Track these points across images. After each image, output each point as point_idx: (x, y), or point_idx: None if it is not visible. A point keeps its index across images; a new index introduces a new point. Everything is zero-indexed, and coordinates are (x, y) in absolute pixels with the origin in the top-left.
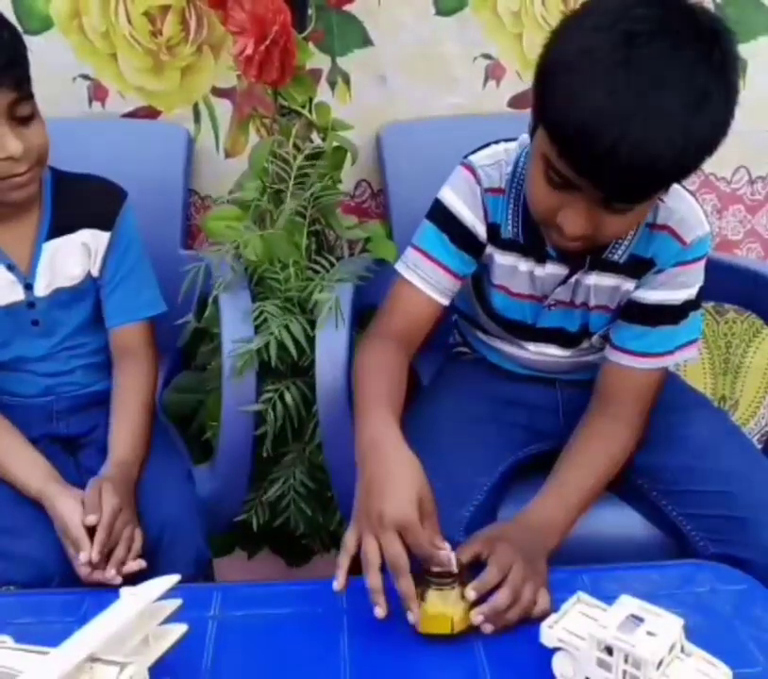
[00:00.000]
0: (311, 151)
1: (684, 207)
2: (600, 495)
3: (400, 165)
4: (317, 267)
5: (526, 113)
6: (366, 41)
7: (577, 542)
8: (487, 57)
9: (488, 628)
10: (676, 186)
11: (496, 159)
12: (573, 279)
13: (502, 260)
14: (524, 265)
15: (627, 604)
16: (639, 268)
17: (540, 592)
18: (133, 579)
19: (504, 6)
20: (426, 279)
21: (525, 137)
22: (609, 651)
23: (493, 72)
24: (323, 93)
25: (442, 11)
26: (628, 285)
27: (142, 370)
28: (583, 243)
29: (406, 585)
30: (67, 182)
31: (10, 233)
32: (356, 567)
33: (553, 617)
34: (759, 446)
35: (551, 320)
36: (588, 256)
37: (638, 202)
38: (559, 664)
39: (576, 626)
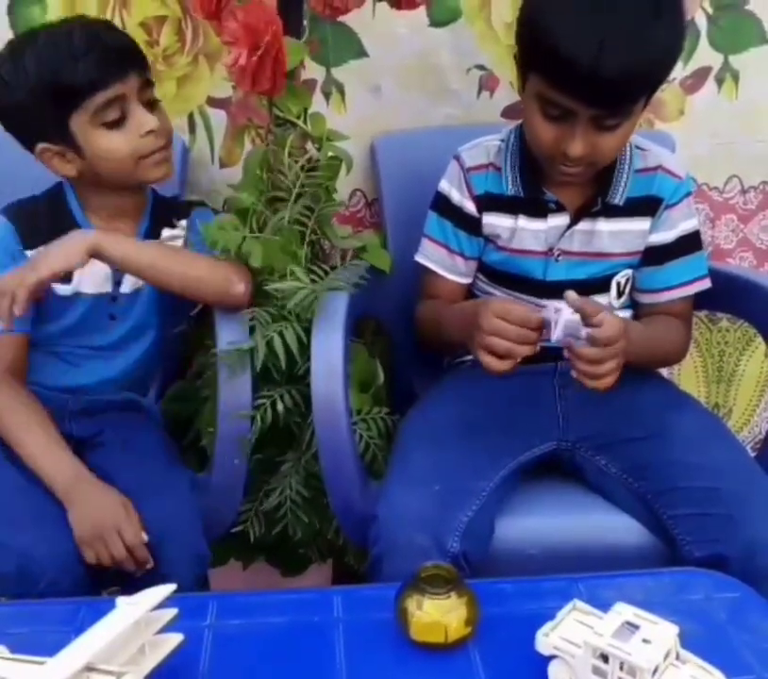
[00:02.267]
0: (307, 161)
1: (664, 152)
2: (659, 358)
3: (394, 175)
4: (312, 276)
5: (520, 123)
6: (361, 52)
7: (576, 551)
8: (481, 68)
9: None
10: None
11: (479, 143)
12: (578, 227)
13: (504, 223)
14: (526, 223)
15: (623, 611)
16: (647, 207)
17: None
18: (133, 581)
19: (497, 17)
20: (440, 263)
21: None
22: (605, 658)
23: (487, 82)
24: (318, 104)
25: (436, 23)
26: (643, 225)
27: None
28: (585, 168)
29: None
30: (161, 197)
31: (116, 231)
32: (348, 577)
33: (548, 624)
34: (753, 454)
35: (559, 272)
36: (587, 202)
37: (624, 114)
38: (554, 672)
39: (572, 634)
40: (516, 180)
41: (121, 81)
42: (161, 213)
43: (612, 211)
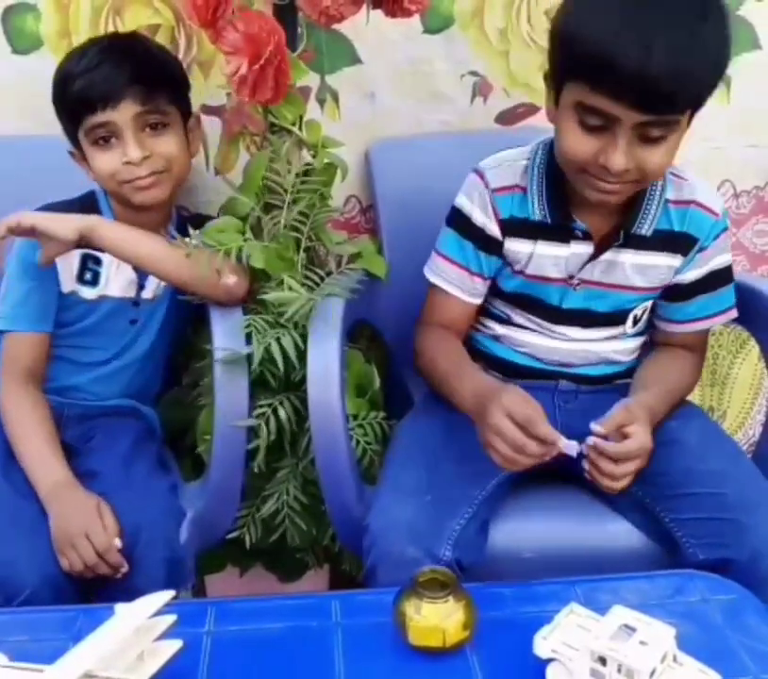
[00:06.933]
0: (302, 168)
1: (702, 184)
2: (678, 405)
3: (389, 181)
4: (308, 282)
5: (514, 129)
6: (355, 60)
7: (571, 554)
8: (474, 74)
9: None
10: (689, 174)
11: (504, 162)
12: (602, 258)
13: (524, 249)
14: (549, 249)
15: (620, 614)
16: (678, 244)
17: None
18: (113, 583)
19: (490, 24)
20: (453, 282)
21: (533, 143)
22: (603, 661)
23: (481, 89)
24: (312, 111)
25: (430, 29)
26: (672, 261)
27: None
28: (628, 186)
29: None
30: (185, 216)
31: None
32: (345, 582)
33: (546, 628)
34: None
35: (577, 301)
36: (614, 231)
37: (670, 123)
38: (552, 675)
39: (570, 637)
40: (543, 205)
41: (111, 109)
42: (185, 231)
43: (640, 243)
